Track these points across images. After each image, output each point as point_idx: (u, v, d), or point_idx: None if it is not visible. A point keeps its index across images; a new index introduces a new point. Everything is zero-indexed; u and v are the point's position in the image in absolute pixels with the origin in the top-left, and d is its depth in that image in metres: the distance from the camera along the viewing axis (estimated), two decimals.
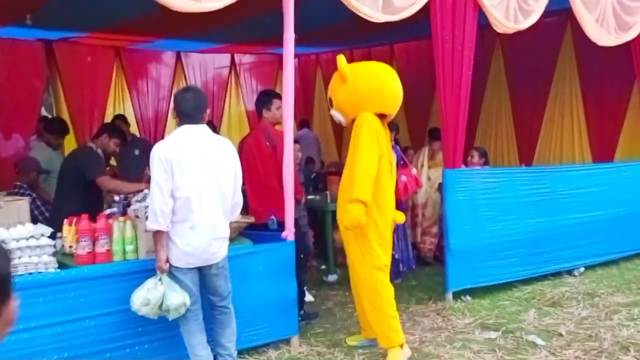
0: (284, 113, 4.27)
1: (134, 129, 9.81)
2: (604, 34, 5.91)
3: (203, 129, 3.55)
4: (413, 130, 9.01)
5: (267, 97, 4.97)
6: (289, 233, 4.25)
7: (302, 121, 10.71)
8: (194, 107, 3.54)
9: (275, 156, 4.52)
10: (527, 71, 7.77)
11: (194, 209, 3.42)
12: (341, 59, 4.16)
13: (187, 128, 3.51)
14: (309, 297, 5.28)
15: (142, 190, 5.09)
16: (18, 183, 5.10)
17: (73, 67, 8.98)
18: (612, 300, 5.16)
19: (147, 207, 3.70)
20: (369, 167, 3.87)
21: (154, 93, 10.24)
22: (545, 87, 7.68)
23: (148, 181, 5.47)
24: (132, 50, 9.78)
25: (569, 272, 6.00)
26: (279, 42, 9.38)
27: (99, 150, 4.89)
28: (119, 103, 9.88)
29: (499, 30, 5.26)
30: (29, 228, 3.45)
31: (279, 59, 11.38)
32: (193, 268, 3.55)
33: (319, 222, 6.35)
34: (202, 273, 3.62)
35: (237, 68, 11.14)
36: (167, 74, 10.37)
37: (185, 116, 3.54)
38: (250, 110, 11.14)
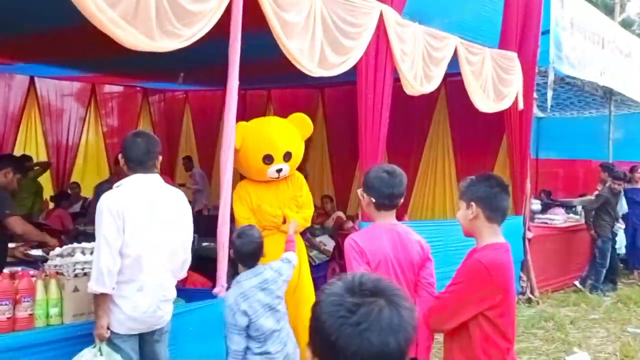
0: (223, 159, 4.02)
1: None
2: (485, 101, 6.54)
3: (155, 178, 3.22)
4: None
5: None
6: (221, 289, 3.98)
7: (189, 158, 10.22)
8: (146, 153, 3.21)
9: None
10: (404, 128, 8.25)
11: (144, 268, 3.07)
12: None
13: (138, 177, 3.16)
14: None
15: (47, 243, 4.50)
16: None
17: None
18: None
19: (75, 263, 3.26)
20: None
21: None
22: (421, 144, 8.23)
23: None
24: None
25: None
26: (143, 76, 9.08)
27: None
28: None
29: (408, 92, 5.54)
30: None
31: (143, 92, 10.98)
32: (135, 334, 3.16)
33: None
34: (142, 339, 3.23)
35: (97, 96, 10.39)
36: (17, 98, 9.37)
37: (136, 163, 3.19)
38: (110, 143, 10.43)
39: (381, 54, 5.10)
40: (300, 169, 5.44)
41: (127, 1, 3.22)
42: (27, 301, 3.04)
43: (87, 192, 9.02)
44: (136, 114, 10.83)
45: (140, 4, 3.27)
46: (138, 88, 10.82)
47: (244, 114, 9.96)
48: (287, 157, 4.62)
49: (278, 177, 4.64)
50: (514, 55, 6.97)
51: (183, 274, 3.39)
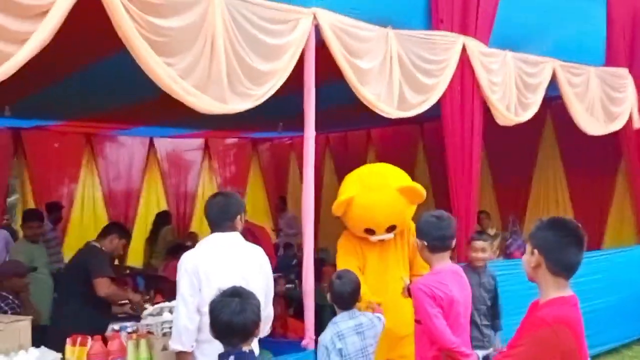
0: (305, 211, 4.04)
1: (101, 212, 9.53)
2: (593, 123, 6.08)
3: (233, 236, 3.29)
4: None
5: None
6: (310, 341, 3.96)
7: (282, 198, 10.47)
8: (220, 214, 3.29)
9: None
10: (510, 155, 7.86)
11: None
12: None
13: (216, 236, 3.26)
14: None
15: (132, 300, 4.73)
16: (3, 293, 4.62)
17: (41, 154, 8.79)
18: None
19: (163, 322, 3.39)
20: None
21: (125, 179, 10.00)
22: (529, 172, 7.79)
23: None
24: (104, 136, 9.56)
25: None
26: (252, 127, 9.47)
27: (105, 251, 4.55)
28: (89, 189, 9.56)
29: (500, 123, 5.30)
30: (34, 354, 3.06)
31: (252, 142, 11.45)
32: None
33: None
34: None
35: (210, 151, 11.00)
36: (140, 159, 10.16)
37: (212, 223, 3.29)
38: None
39: (467, 87, 4.94)
40: None
41: (201, 69, 3.40)
42: None
43: None
44: (247, 162, 11.30)
45: (213, 70, 3.43)
46: (247, 138, 11.29)
47: (345, 155, 10.14)
48: (391, 229, 4.25)
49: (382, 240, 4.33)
50: (624, 71, 6.45)
51: (265, 331, 3.39)
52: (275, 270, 6.19)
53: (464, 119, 4.92)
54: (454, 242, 3.21)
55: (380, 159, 9.75)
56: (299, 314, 5.10)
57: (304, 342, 3.95)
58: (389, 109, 4.33)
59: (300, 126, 9.36)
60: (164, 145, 10.36)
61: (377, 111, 4.27)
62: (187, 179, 10.67)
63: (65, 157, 9.23)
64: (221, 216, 3.28)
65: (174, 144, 10.47)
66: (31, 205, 8.56)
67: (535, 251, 2.18)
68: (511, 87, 5.27)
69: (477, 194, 5.10)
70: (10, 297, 4.64)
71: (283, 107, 5.65)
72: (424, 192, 4.24)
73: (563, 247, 2.15)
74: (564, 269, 2.16)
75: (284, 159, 11.25)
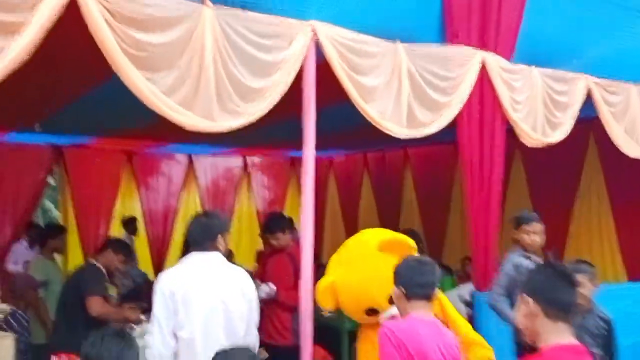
0: (303, 231, 3.89)
1: (140, 229, 9.62)
2: (633, 145, 5.66)
3: (214, 257, 3.17)
4: (430, 240, 8.42)
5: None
6: None
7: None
8: (202, 233, 3.19)
9: None
10: (550, 182, 7.42)
11: (198, 352, 2.99)
12: None
13: (195, 256, 3.15)
14: None
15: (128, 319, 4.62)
16: (13, 308, 4.67)
17: (82, 171, 8.96)
18: None
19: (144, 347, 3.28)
20: None
21: (164, 196, 10.11)
22: (570, 199, 7.31)
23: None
24: (144, 154, 9.70)
25: None
26: (291, 145, 9.41)
27: (101, 267, 4.51)
28: (128, 207, 9.69)
29: (527, 144, 4.99)
30: None
31: (292, 160, 11.37)
32: None
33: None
34: None
35: (249, 169, 11.00)
36: (178, 176, 10.26)
37: (193, 242, 3.19)
38: (261, 211, 10.88)
39: (487, 106, 4.66)
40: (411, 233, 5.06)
41: (187, 85, 3.32)
42: None
43: (241, 260, 9.39)
44: (285, 182, 11.23)
45: (201, 86, 3.35)
46: (286, 156, 11.24)
47: (383, 175, 9.89)
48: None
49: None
50: None
51: None
52: None
53: (482, 140, 4.63)
54: (434, 294, 2.75)
55: (417, 179, 9.49)
56: (322, 341, 4.92)
57: None
58: (397, 128, 4.12)
59: (332, 144, 9.24)
60: (202, 162, 10.43)
61: (382, 129, 4.08)
62: (224, 197, 10.68)
63: (106, 174, 9.41)
64: (203, 235, 3.18)
65: (212, 162, 10.53)
66: (72, 222, 8.80)
67: (530, 300, 2.10)
68: (537, 105, 4.96)
69: (497, 225, 4.75)
70: (19, 311, 4.70)
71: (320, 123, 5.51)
72: (409, 241, 3.50)
73: (554, 286, 2.11)
74: (560, 309, 2.08)
75: (323, 179, 11.11)
